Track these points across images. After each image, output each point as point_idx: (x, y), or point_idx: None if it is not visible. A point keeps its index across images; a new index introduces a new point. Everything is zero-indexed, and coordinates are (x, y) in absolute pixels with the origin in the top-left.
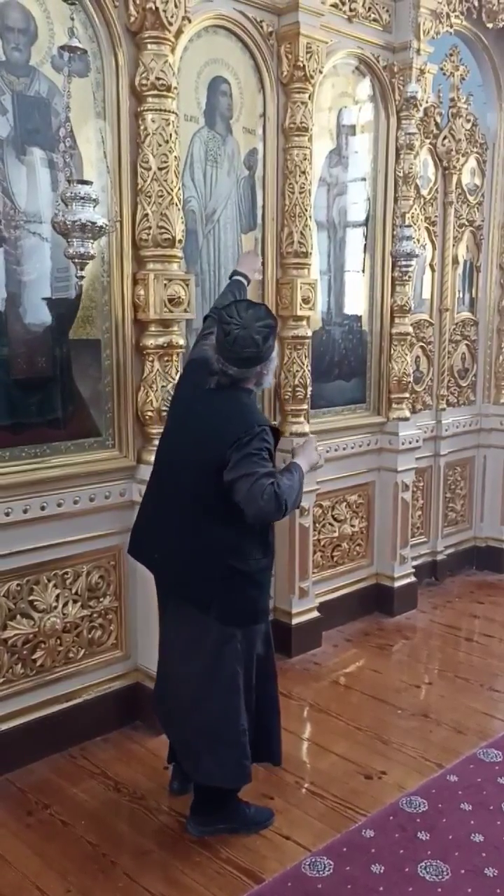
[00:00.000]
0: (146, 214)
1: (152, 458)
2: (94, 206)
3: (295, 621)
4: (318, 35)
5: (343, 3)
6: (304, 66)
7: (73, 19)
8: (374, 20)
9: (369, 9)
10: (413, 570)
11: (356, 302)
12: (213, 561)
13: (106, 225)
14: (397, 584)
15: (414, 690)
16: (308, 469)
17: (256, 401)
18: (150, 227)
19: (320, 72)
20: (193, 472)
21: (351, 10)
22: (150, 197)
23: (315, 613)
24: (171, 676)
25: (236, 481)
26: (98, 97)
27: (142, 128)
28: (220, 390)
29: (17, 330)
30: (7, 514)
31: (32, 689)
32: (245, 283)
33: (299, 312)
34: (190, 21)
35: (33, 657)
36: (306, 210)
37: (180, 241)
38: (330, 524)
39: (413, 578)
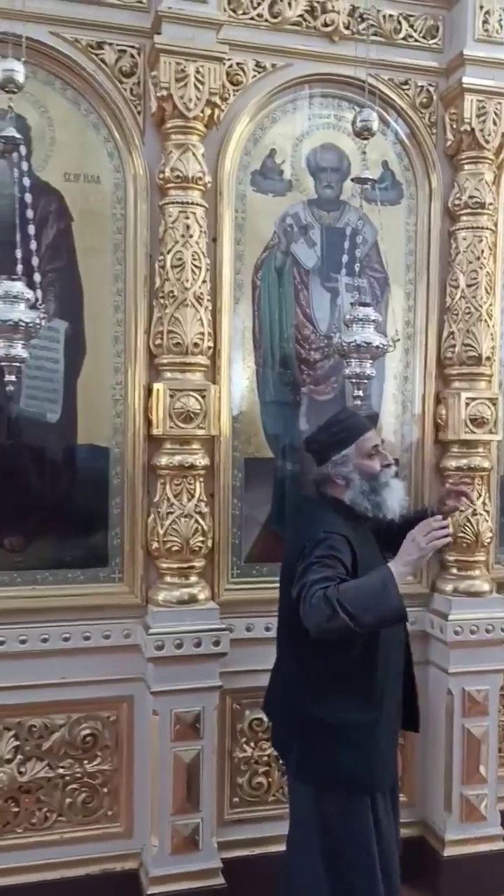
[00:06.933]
0: (451, 332)
1: None
2: (374, 327)
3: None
4: None
5: None
6: None
7: (364, 153)
8: None
9: None
10: None
11: None
12: (291, 706)
13: (383, 345)
14: None
15: None
16: (408, 567)
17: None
18: (454, 345)
19: None
20: (281, 591)
21: None
22: (456, 314)
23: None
24: None
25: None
26: (410, 222)
27: (453, 246)
28: (313, 500)
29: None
30: None
31: None
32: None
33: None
34: None
35: None
36: None
37: (488, 358)
38: None
39: None
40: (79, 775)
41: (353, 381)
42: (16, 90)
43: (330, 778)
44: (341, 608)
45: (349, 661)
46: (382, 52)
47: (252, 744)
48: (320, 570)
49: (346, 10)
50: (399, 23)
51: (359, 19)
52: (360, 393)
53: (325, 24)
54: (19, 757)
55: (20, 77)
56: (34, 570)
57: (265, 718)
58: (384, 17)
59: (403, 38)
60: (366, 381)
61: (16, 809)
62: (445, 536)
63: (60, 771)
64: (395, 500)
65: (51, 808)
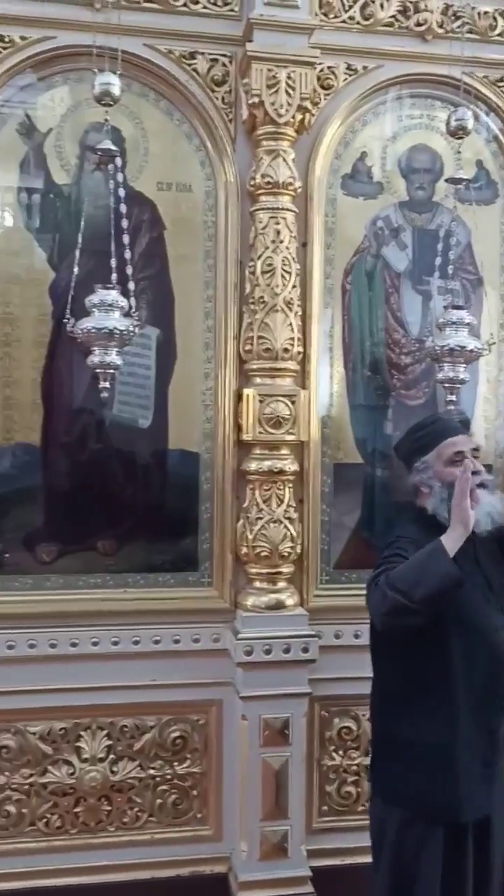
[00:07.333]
0: None
1: None
2: (468, 330)
3: None
4: None
5: None
6: None
7: (458, 152)
8: None
9: None
10: None
11: None
12: (373, 715)
13: (478, 349)
14: None
15: None
16: (458, 529)
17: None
18: None
19: None
20: None
21: None
22: None
23: None
24: None
25: None
26: None
27: None
28: (402, 508)
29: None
30: None
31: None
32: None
33: None
34: None
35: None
36: None
37: None
38: None
39: None
40: (169, 777)
41: (446, 385)
42: (112, 103)
43: (398, 797)
44: (391, 588)
45: (422, 675)
46: (477, 49)
47: (341, 752)
48: (383, 568)
49: (440, 8)
50: (494, 19)
51: (452, 17)
52: (454, 398)
53: (418, 24)
54: (111, 756)
55: (116, 90)
56: (125, 573)
57: (354, 727)
58: (478, 14)
59: (499, 35)
60: (459, 385)
61: (108, 808)
62: (469, 473)
63: (151, 772)
64: (481, 510)
65: (142, 808)
